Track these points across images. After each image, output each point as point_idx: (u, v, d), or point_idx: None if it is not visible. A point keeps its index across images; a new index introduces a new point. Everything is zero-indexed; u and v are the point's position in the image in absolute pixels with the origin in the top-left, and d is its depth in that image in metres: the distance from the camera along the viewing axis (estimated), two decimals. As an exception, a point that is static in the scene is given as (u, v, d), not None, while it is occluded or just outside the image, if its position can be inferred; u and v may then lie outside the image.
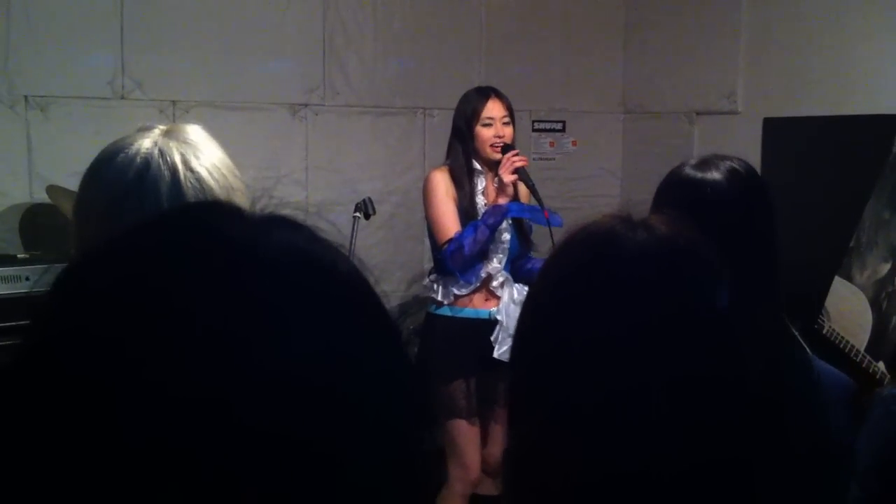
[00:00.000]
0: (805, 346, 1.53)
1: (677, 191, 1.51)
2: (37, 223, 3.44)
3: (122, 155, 1.17)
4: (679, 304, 0.80)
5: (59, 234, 2.70)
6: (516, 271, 3.30)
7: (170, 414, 0.42)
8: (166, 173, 1.15)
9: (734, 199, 1.49)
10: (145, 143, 1.18)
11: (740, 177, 1.52)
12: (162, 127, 1.22)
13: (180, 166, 1.16)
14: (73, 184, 1.24)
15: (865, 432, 1.47)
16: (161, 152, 1.16)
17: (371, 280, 0.52)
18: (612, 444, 0.76)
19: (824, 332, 3.40)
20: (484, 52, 4.39)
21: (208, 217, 0.52)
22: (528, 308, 0.92)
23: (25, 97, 3.48)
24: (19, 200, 3.47)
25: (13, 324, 2.71)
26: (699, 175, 1.52)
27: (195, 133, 1.22)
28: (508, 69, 4.31)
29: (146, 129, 1.22)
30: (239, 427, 0.42)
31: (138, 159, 1.16)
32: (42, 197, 3.30)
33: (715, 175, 1.51)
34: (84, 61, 3.56)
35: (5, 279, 2.96)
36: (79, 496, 0.42)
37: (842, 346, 3.31)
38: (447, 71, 4.22)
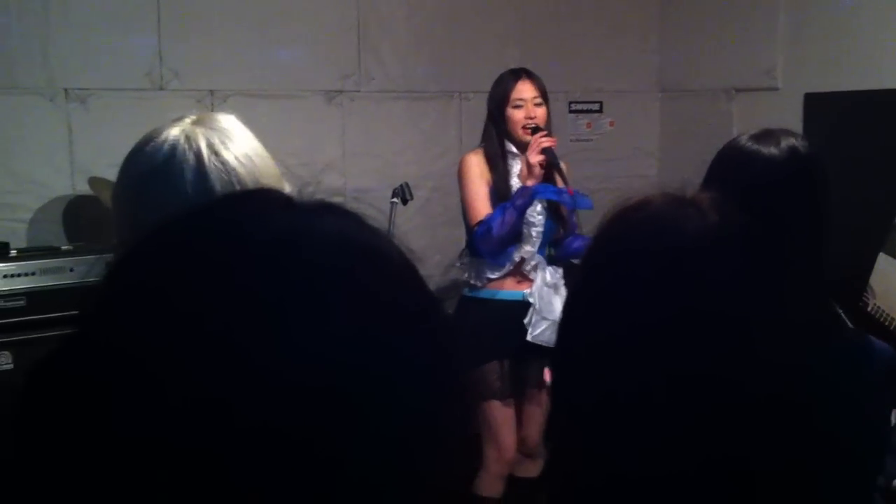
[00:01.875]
0: (849, 325, 1.50)
1: (730, 162, 1.48)
2: (79, 215, 3.49)
3: (152, 143, 1.19)
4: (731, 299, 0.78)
5: (102, 225, 2.73)
6: (560, 251, 3.29)
7: (174, 414, 0.42)
8: (191, 157, 1.17)
9: (786, 179, 1.44)
10: (173, 131, 1.20)
11: (798, 156, 1.47)
12: (193, 116, 1.24)
13: (205, 151, 1.17)
14: (113, 175, 1.27)
15: None
16: (187, 138, 1.18)
17: (418, 268, 0.52)
18: (648, 439, 0.75)
19: (869, 309, 3.35)
20: (518, 34, 4.36)
21: (255, 207, 0.52)
22: (574, 296, 0.89)
23: (65, 90, 3.52)
24: (62, 192, 3.52)
25: (59, 315, 2.76)
26: (755, 147, 1.48)
27: (227, 121, 1.23)
28: (543, 51, 4.28)
29: (179, 119, 1.24)
30: (247, 428, 0.42)
31: (166, 146, 1.18)
32: (84, 189, 3.35)
33: (773, 150, 1.46)
34: (122, 53, 3.60)
35: (50, 271, 3.01)
36: (81, 494, 0.42)
37: (887, 323, 3.26)
38: (482, 54, 4.20)
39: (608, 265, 0.84)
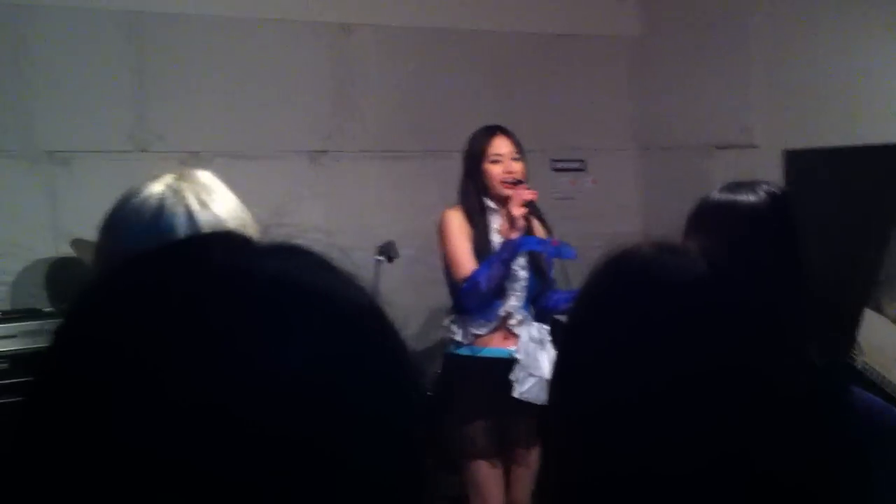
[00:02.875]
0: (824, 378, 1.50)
1: (711, 215, 1.49)
2: (62, 277, 3.46)
3: (134, 199, 1.19)
4: (728, 348, 0.78)
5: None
6: (538, 308, 3.28)
7: (170, 419, 0.43)
8: (181, 210, 1.16)
9: (771, 224, 1.47)
10: (157, 187, 1.20)
11: (777, 199, 1.50)
12: (173, 174, 1.24)
13: (195, 205, 1.17)
14: (97, 237, 1.26)
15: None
16: (175, 192, 1.18)
17: (389, 315, 0.52)
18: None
19: (858, 366, 3.35)
20: (497, 93, 4.40)
21: (214, 245, 0.53)
22: (563, 357, 0.89)
23: (48, 152, 3.52)
24: (44, 255, 3.50)
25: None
26: (732, 197, 1.50)
27: (207, 178, 1.24)
28: (521, 109, 4.32)
29: (157, 177, 1.24)
30: (239, 433, 0.43)
31: (152, 201, 1.17)
32: (66, 251, 3.33)
33: (751, 198, 1.49)
34: (104, 115, 3.61)
35: (30, 333, 2.98)
36: (80, 500, 0.42)
37: (878, 380, 3.25)
38: (461, 113, 4.24)
39: (599, 316, 0.84)
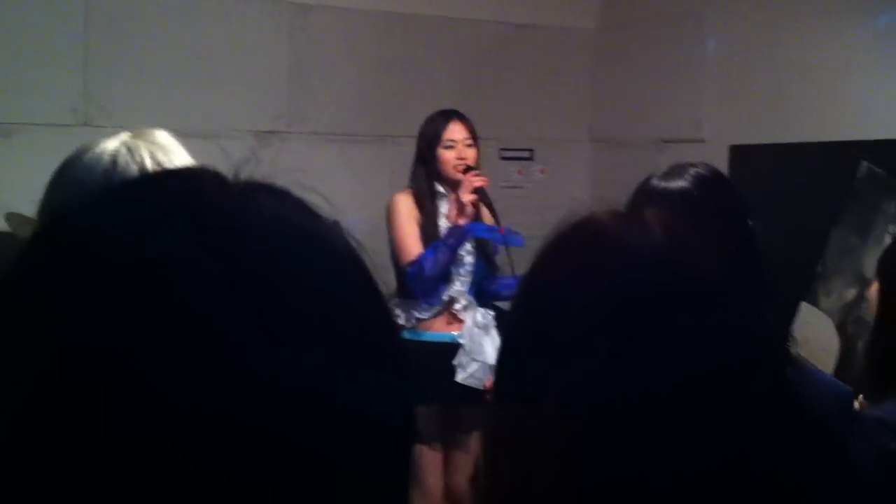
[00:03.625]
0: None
1: (645, 201, 1.51)
2: (-3, 252, 3.37)
3: (88, 154, 1.15)
4: (696, 311, 0.76)
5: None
6: (482, 293, 3.29)
7: (166, 418, 0.41)
8: (134, 169, 1.13)
9: (702, 203, 1.50)
10: (111, 144, 1.16)
11: (705, 180, 1.53)
12: (128, 132, 1.21)
13: (149, 162, 1.14)
14: (34, 211, 1.22)
15: (855, 474, 1.44)
16: (129, 150, 1.14)
17: (367, 260, 0.50)
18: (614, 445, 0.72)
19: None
20: (451, 81, 4.39)
21: (187, 185, 0.48)
22: (515, 328, 0.85)
23: (-13, 124, 3.43)
24: (-20, 228, 3.40)
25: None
26: (663, 185, 1.53)
27: (163, 137, 1.20)
28: (476, 97, 4.31)
29: (113, 136, 1.20)
30: (236, 431, 0.41)
31: (105, 157, 1.14)
32: (1, 225, 3.24)
33: (681, 183, 1.52)
34: (48, 87, 3.52)
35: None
36: (74, 498, 0.41)
37: (810, 371, 3.33)
38: (415, 99, 4.22)
39: (554, 285, 0.82)
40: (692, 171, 1.55)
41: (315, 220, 0.49)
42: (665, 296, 0.76)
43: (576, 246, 0.83)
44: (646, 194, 1.53)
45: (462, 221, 3.12)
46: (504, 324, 0.88)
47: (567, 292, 0.79)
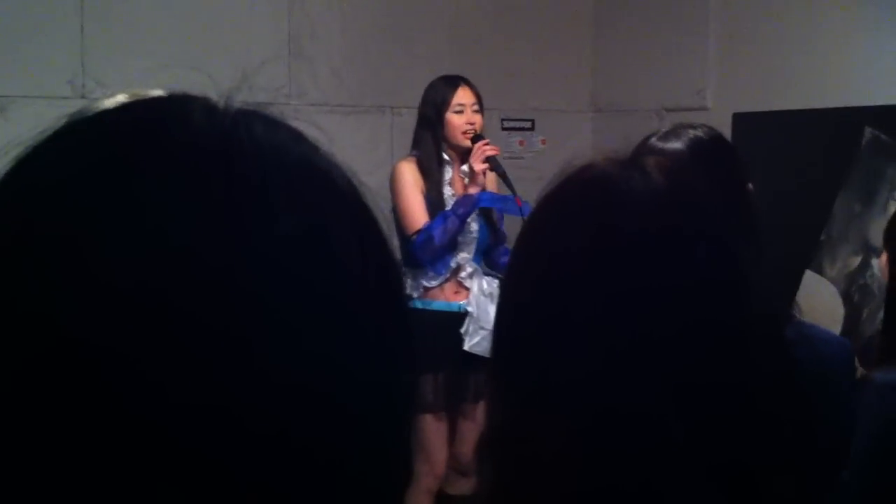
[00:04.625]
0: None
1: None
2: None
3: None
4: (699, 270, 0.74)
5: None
6: (490, 263, 3.27)
7: (171, 413, 0.39)
8: None
9: (695, 167, 1.48)
10: (108, 103, 1.14)
11: (702, 143, 1.52)
12: (126, 93, 1.18)
13: None
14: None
15: (861, 425, 1.45)
16: None
17: (368, 196, 0.47)
18: (611, 437, 0.71)
19: (796, 326, 3.41)
20: (451, 51, 4.35)
21: (170, 108, 0.45)
22: (514, 274, 0.83)
23: (-16, 97, 3.40)
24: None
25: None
26: (660, 145, 1.52)
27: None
28: (477, 68, 4.27)
29: (109, 96, 1.18)
30: (241, 428, 0.40)
31: None
32: None
33: (676, 144, 1.50)
34: (44, 60, 3.49)
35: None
36: (77, 495, 0.39)
37: (814, 340, 3.32)
38: (415, 69, 4.19)
39: (552, 232, 0.79)
40: (691, 132, 1.54)
41: (312, 150, 0.47)
42: (663, 243, 0.74)
43: (572, 192, 0.81)
44: (644, 153, 1.52)
45: (473, 190, 3.10)
46: (500, 289, 0.85)
47: (563, 239, 0.77)
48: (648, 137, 1.56)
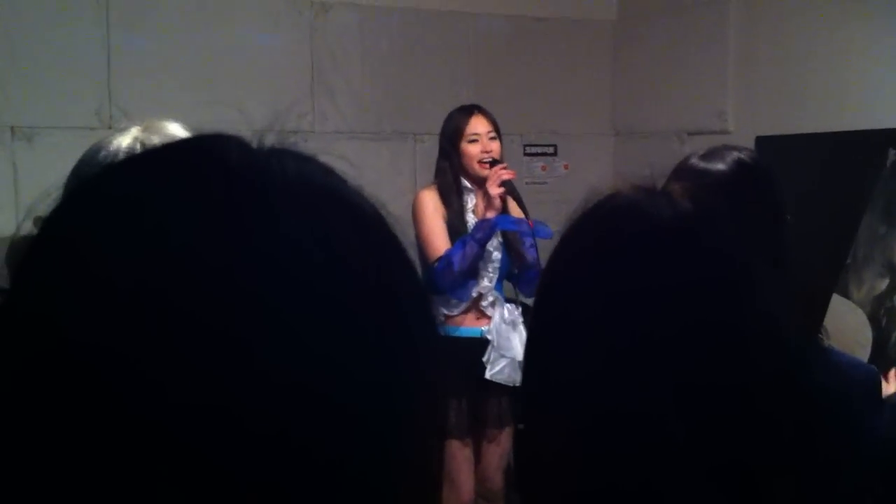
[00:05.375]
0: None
1: (682, 180, 1.49)
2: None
3: (102, 153, 1.15)
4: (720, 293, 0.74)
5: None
6: (523, 286, 3.27)
7: (171, 414, 0.40)
8: None
9: (736, 191, 1.46)
10: (125, 140, 1.16)
11: (746, 167, 1.49)
12: (138, 126, 1.20)
13: None
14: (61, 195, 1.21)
15: (886, 455, 1.43)
16: (143, 146, 1.14)
17: (395, 226, 0.49)
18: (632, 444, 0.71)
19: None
20: (472, 77, 4.38)
21: (208, 147, 0.48)
22: (544, 294, 0.83)
23: (11, 128, 3.45)
24: (5, 233, 3.42)
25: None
26: (703, 165, 1.50)
27: (175, 128, 1.19)
28: (498, 93, 4.29)
29: (123, 130, 1.19)
30: (242, 428, 0.40)
31: (121, 155, 1.13)
32: (29, 229, 3.26)
33: (720, 165, 1.49)
34: (70, 91, 3.54)
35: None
36: (78, 494, 0.40)
37: (841, 364, 3.28)
38: (437, 96, 4.21)
39: (579, 257, 0.80)
40: (735, 154, 1.51)
41: (342, 184, 0.49)
42: (684, 272, 0.74)
43: (599, 220, 0.81)
44: (683, 173, 1.50)
45: (490, 215, 3.11)
46: (530, 314, 0.86)
47: (586, 269, 0.77)
48: (689, 157, 1.54)
